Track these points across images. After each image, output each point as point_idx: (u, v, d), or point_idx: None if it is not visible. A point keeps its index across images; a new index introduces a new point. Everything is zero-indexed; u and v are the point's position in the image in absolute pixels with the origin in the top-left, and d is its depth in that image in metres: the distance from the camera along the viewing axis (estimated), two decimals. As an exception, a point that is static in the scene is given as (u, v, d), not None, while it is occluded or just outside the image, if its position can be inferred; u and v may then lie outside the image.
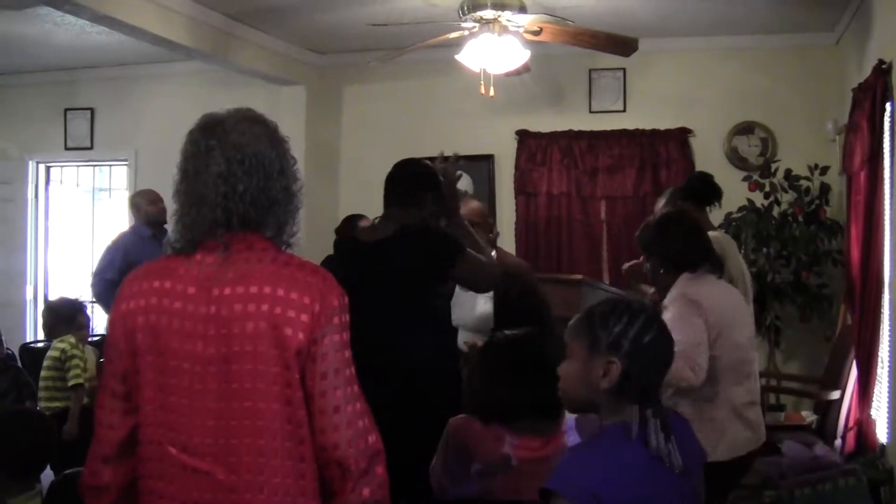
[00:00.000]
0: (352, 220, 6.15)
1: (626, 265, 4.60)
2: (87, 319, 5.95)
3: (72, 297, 6.09)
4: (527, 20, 5.27)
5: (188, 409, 1.93)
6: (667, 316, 3.24)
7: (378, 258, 3.40)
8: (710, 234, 3.99)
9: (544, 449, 2.51)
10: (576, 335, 2.05)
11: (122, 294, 2.04)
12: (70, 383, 5.40)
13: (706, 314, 3.39)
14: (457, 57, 5.37)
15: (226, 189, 1.96)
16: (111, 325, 2.06)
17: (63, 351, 5.48)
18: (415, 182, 3.53)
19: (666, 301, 3.50)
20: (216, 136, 2.00)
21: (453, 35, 5.49)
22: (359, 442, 1.93)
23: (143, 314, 1.97)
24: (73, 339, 5.55)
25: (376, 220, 3.67)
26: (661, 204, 4.70)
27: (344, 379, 1.94)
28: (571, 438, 2.56)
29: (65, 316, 5.70)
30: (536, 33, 5.37)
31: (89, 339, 5.97)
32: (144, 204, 6.56)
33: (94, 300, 6.64)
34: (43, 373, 5.50)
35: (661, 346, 2.04)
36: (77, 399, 5.39)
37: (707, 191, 4.68)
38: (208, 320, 1.93)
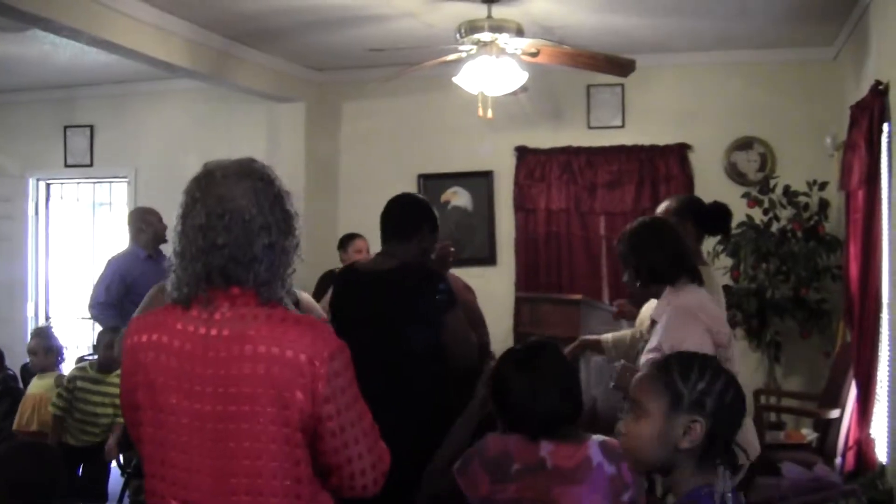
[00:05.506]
0: (346, 240, 6.26)
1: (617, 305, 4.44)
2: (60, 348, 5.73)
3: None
4: (524, 43, 5.28)
5: (188, 464, 1.94)
6: (663, 323, 3.22)
7: (378, 289, 3.50)
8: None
9: (575, 457, 2.58)
10: (652, 393, 1.93)
11: (125, 347, 2.05)
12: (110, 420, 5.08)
13: (703, 324, 3.32)
14: (454, 79, 5.37)
15: (205, 243, 1.95)
16: (121, 374, 2.11)
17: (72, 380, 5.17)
18: (411, 215, 3.62)
19: (654, 312, 3.38)
20: (202, 189, 1.99)
21: (451, 57, 5.51)
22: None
23: (142, 372, 1.99)
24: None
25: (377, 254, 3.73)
26: (664, 206, 4.18)
27: (361, 432, 1.99)
28: (598, 461, 2.60)
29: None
30: (534, 55, 5.37)
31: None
32: (143, 225, 6.29)
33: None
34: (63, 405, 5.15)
35: (741, 405, 1.96)
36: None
37: (715, 222, 4.22)
38: (205, 380, 1.92)
